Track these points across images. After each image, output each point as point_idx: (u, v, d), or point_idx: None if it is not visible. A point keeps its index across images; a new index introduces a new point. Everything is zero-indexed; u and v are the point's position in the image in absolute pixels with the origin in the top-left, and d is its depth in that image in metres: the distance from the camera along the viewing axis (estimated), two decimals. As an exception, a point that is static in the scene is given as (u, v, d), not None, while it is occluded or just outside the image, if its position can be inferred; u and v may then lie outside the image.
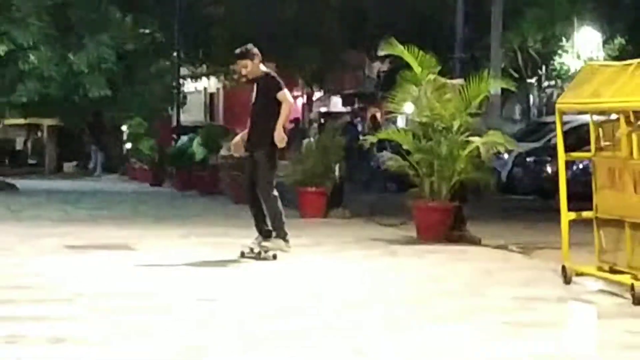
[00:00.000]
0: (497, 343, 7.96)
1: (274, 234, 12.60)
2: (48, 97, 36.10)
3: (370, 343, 7.90)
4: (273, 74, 13.43)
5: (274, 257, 12.51)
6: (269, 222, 12.66)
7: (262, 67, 12.99)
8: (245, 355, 7.36)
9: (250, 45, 13.02)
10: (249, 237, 13.29)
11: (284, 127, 12.85)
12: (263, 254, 12.56)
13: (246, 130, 13.07)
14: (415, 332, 8.36)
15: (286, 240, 12.60)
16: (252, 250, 12.68)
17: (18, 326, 8.20)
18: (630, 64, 10.77)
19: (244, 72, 13.03)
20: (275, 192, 12.72)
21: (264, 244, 12.59)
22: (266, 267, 12.13)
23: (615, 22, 31.11)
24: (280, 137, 12.51)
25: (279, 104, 12.61)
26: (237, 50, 13.08)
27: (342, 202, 19.67)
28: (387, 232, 16.41)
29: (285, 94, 12.76)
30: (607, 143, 10.89)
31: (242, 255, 12.68)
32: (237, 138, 13.42)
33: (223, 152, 26.70)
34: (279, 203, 12.73)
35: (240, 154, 13.46)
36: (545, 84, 38.12)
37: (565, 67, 34.82)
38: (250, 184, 12.83)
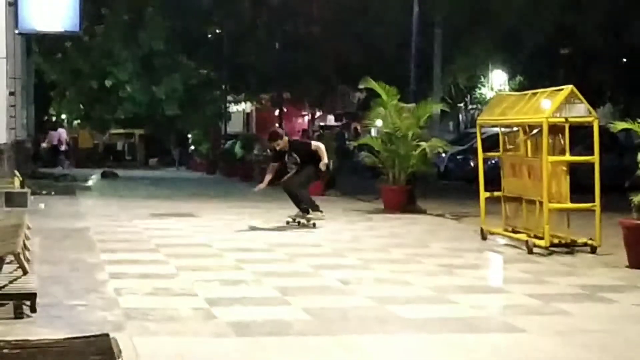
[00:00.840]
0: (435, 277, 8.00)
1: (310, 210, 12.27)
2: (138, 115, 36.14)
3: (350, 276, 7.93)
4: (294, 138, 13.36)
5: (314, 225, 12.12)
6: (303, 204, 12.32)
7: (286, 138, 12.58)
8: (266, 285, 7.39)
9: (277, 129, 13.00)
10: (274, 208, 13.28)
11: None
12: (306, 223, 12.18)
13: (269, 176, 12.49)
14: (381, 269, 8.40)
15: (320, 211, 12.27)
16: (294, 220, 12.32)
17: (119, 267, 8.25)
18: (525, 94, 10.84)
19: (278, 148, 12.50)
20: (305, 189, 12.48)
21: (308, 216, 12.22)
22: (283, 228, 12.08)
23: (516, 66, 31.03)
24: (324, 164, 12.15)
25: (313, 151, 12.22)
26: (269, 135, 12.81)
27: (335, 185, 19.67)
28: (364, 205, 16.41)
29: (316, 144, 12.53)
30: (511, 146, 10.94)
31: (287, 223, 12.27)
32: (263, 185, 12.49)
33: (255, 152, 26.76)
34: (307, 192, 12.52)
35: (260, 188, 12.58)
36: (470, 107, 38.07)
37: (483, 96, 34.72)
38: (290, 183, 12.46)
